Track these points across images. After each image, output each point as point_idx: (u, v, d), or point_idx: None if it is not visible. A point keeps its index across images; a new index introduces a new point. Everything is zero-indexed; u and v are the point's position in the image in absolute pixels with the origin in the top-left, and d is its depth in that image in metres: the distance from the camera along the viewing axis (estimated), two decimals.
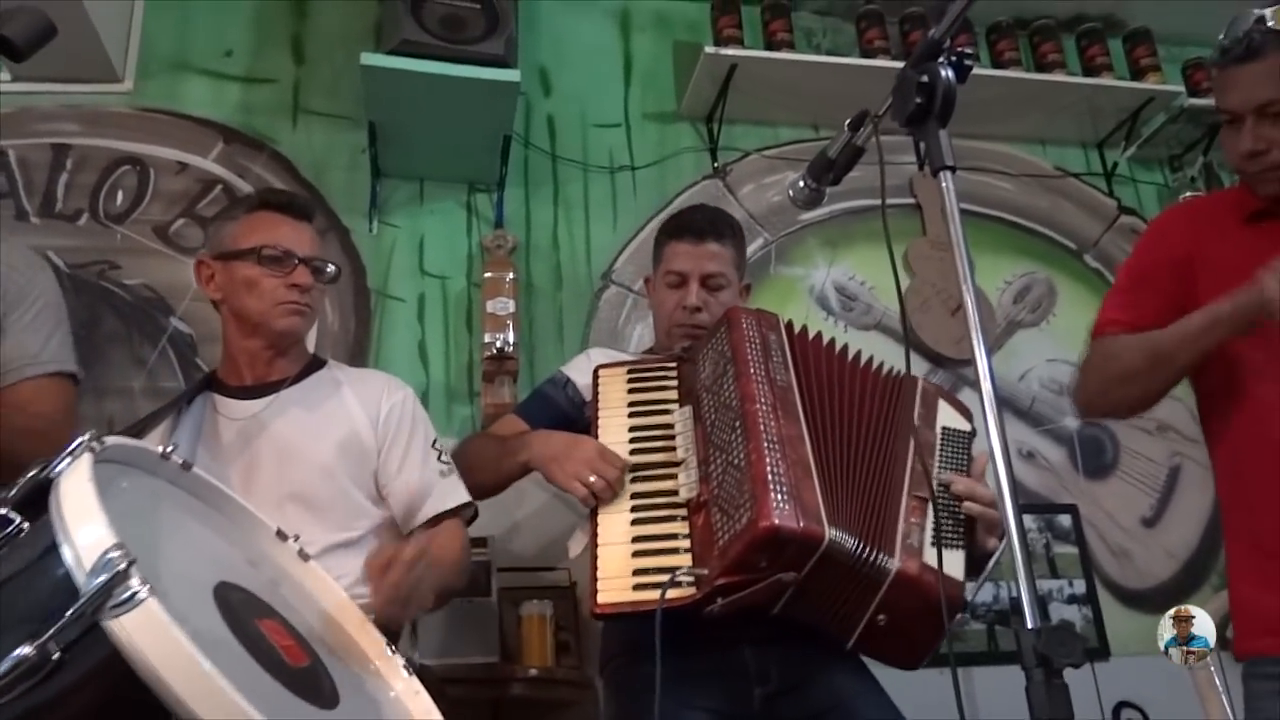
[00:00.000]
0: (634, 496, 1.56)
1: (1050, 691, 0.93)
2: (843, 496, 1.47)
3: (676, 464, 1.58)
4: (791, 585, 1.38)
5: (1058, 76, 3.15)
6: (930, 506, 1.49)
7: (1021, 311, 3.11)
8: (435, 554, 1.60)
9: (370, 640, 1.27)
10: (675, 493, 1.54)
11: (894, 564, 1.40)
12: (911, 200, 3.13)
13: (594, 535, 1.53)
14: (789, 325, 1.71)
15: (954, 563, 1.46)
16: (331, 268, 1.78)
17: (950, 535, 1.49)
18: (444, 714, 1.19)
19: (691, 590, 1.38)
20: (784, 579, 1.37)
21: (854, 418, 1.60)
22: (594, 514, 1.56)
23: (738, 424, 1.48)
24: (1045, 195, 3.29)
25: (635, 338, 2.78)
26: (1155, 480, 2.99)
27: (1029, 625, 0.97)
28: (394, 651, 1.27)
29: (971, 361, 1.09)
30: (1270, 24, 1.58)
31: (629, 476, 1.58)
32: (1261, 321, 1.48)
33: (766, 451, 1.42)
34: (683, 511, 1.51)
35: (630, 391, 1.73)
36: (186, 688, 0.76)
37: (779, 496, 1.36)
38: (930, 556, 1.43)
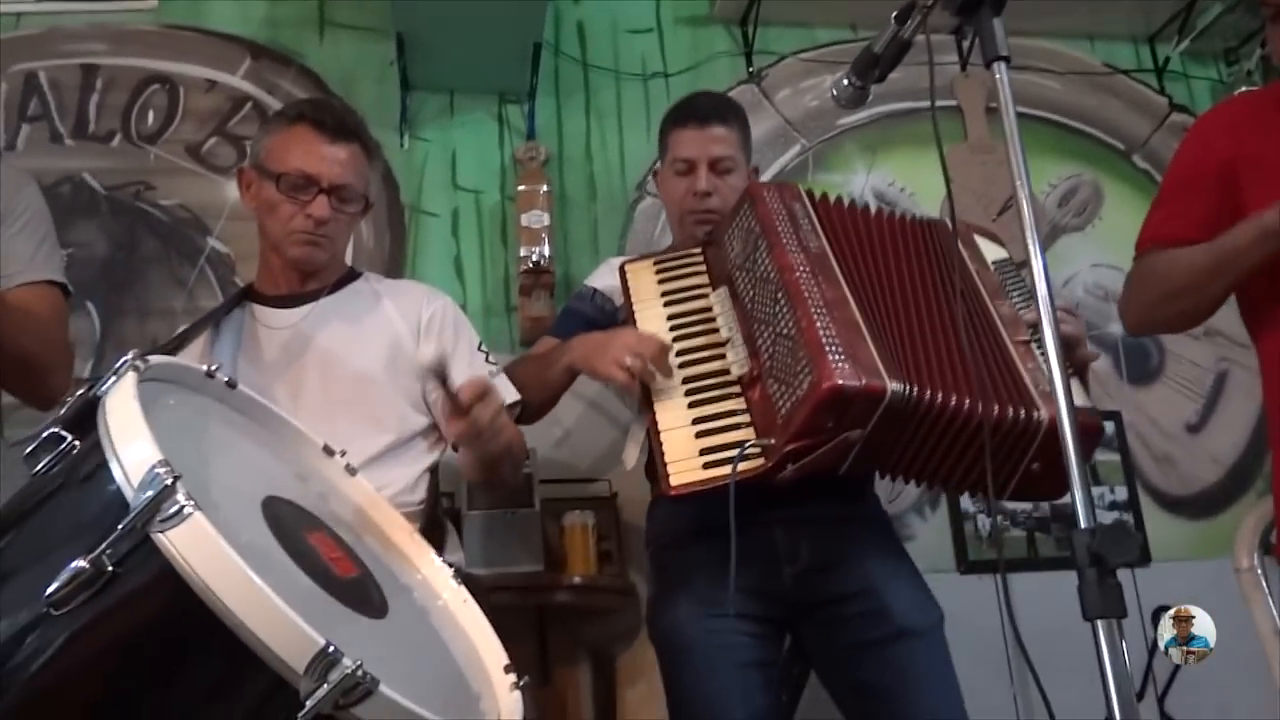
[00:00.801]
0: (686, 381, 1.56)
1: (1104, 590, 0.93)
2: (903, 350, 1.46)
3: (722, 344, 1.58)
4: (859, 442, 1.39)
5: None
6: (1035, 348, 1.50)
7: (1066, 215, 3.04)
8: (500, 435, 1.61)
9: (418, 550, 1.29)
10: (727, 371, 1.54)
11: (1042, 414, 1.41)
12: (952, 103, 3.03)
13: (654, 423, 1.53)
14: (810, 194, 1.69)
15: (1079, 393, 1.47)
16: (359, 198, 1.73)
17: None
18: (491, 621, 1.21)
19: (761, 460, 1.40)
20: (850, 438, 1.38)
21: (898, 271, 1.59)
22: (649, 404, 1.56)
23: (780, 295, 1.48)
24: (1093, 93, 3.17)
25: None
26: (1201, 385, 2.94)
27: (1082, 525, 0.96)
28: (441, 560, 1.28)
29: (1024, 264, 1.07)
30: None
31: (676, 362, 1.58)
32: None
33: (815, 316, 1.42)
34: (736, 389, 1.52)
35: (661, 282, 1.72)
36: (236, 599, 0.77)
37: (836, 357, 1.36)
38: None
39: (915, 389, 1.39)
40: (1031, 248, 1.06)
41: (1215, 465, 2.87)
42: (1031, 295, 1.56)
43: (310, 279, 1.75)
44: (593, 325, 1.86)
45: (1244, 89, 3.00)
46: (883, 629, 1.63)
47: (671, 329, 1.63)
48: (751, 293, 1.55)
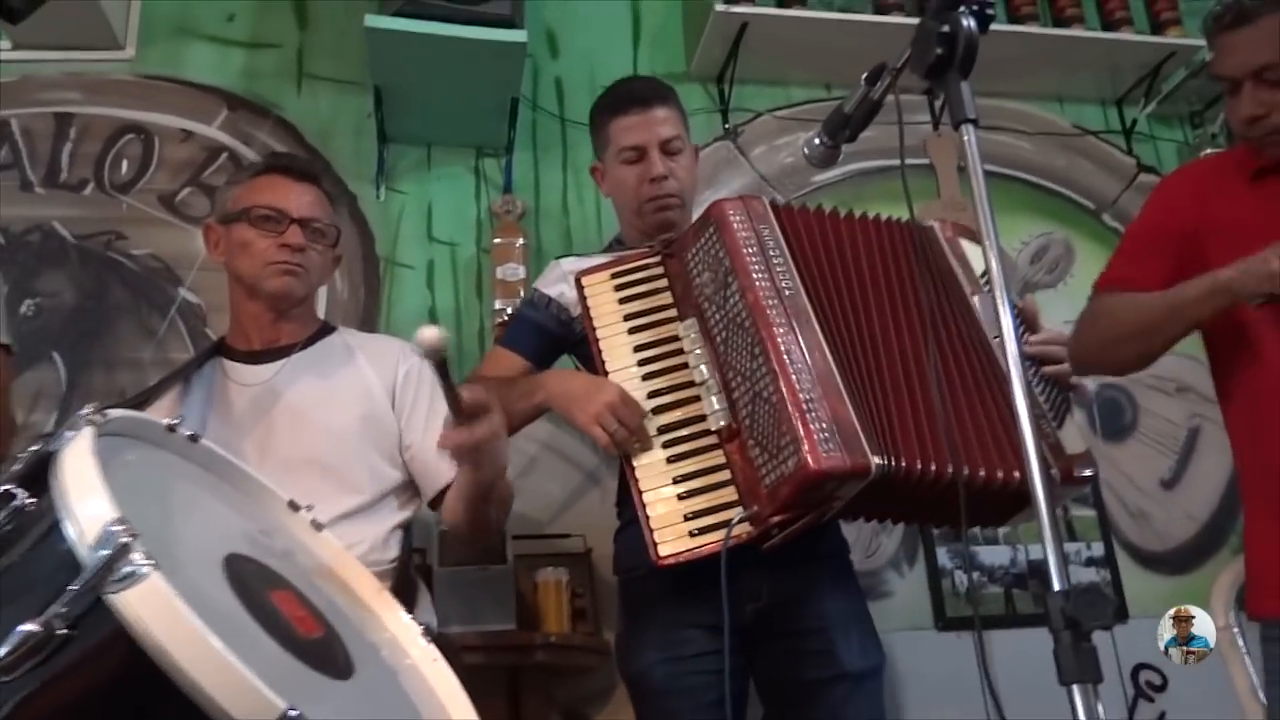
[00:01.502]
0: (662, 430, 1.54)
1: (1078, 654, 0.92)
2: (880, 409, 1.46)
3: (694, 384, 1.55)
4: (841, 504, 1.42)
5: (1076, 31, 3.07)
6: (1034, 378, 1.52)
7: (1039, 272, 3.07)
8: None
9: (386, 608, 1.26)
10: (703, 418, 1.52)
11: (1055, 470, 1.41)
12: (924, 161, 3.07)
13: (634, 480, 1.52)
14: (776, 209, 1.63)
15: (1068, 436, 1.49)
16: (330, 229, 1.75)
17: (1057, 414, 1.52)
18: (462, 681, 1.18)
19: (749, 529, 1.42)
20: (832, 504, 1.41)
21: (878, 299, 1.57)
22: (626, 456, 1.55)
23: (757, 351, 1.45)
24: (1063, 154, 3.23)
25: None
26: (1174, 442, 2.96)
27: (1056, 588, 0.95)
28: (411, 619, 1.25)
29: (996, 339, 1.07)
30: None
31: (650, 405, 1.56)
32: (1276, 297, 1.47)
33: (797, 384, 1.40)
34: (714, 440, 1.51)
35: (622, 302, 1.66)
36: (193, 662, 0.75)
37: (821, 436, 1.36)
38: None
39: (899, 462, 1.40)
40: (1002, 308, 1.06)
41: (1190, 521, 2.88)
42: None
43: (284, 330, 1.73)
44: (550, 338, 1.85)
45: (1209, 151, 3.07)
46: (828, 669, 1.67)
47: (640, 362, 1.60)
48: (724, 334, 1.53)
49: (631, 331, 1.63)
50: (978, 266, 1.65)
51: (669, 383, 1.57)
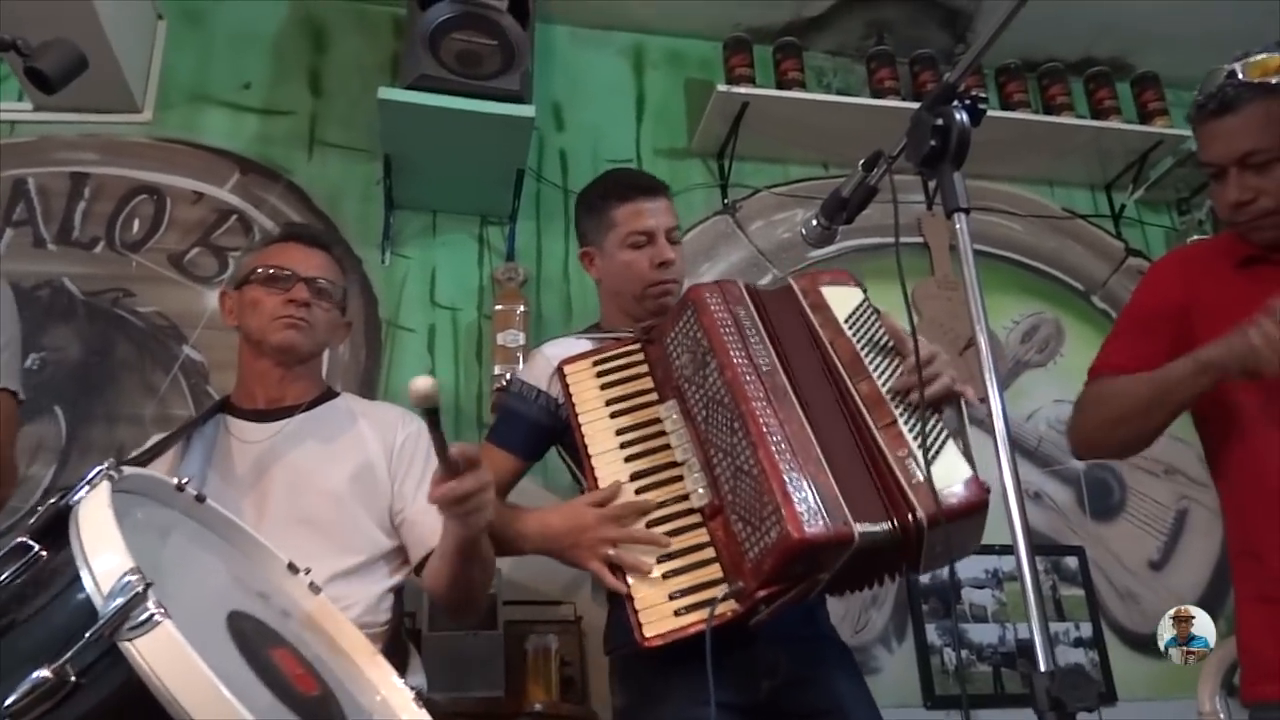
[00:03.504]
0: (644, 512, 1.54)
1: None
2: (852, 475, 1.45)
3: (677, 464, 1.56)
4: (827, 579, 1.40)
5: (1066, 119, 3.18)
6: (902, 425, 1.48)
7: (1029, 351, 3.12)
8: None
9: (379, 671, 1.27)
10: (686, 497, 1.53)
11: (921, 514, 1.39)
12: (919, 239, 3.15)
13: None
14: (750, 290, 1.68)
15: (957, 466, 1.44)
16: (336, 288, 1.81)
17: (937, 443, 1.47)
18: None
19: (734, 605, 1.40)
20: (819, 577, 1.39)
21: (818, 371, 1.57)
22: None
23: (737, 425, 1.46)
24: (1053, 236, 3.31)
25: None
26: (1163, 523, 2.98)
27: (1042, 668, 0.97)
28: (403, 683, 1.26)
29: (982, 402, 1.10)
30: (1241, 76, 1.61)
31: (632, 486, 1.56)
32: (1257, 372, 1.49)
33: (776, 455, 1.41)
34: (698, 518, 1.51)
35: (604, 388, 1.69)
36: (201, 709, 0.76)
37: (801, 506, 1.35)
38: (939, 478, 1.41)
39: (882, 525, 1.40)
40: (990, 389, 1.09)
41: (1178, 603, 2.87)
42: (885, 342, 1.59)
43: (289, 390, 1.77)
44: (540, 430, 1.83)
45: (1195, 237, 3.15)
46: None
47: (623, 444, 1.62)
48: (704, 413, 1.54)
49: (613, 415, 1.65)
50: (845, 305, 1.65)
51: (651, 464, 1.59)
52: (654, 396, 1.66)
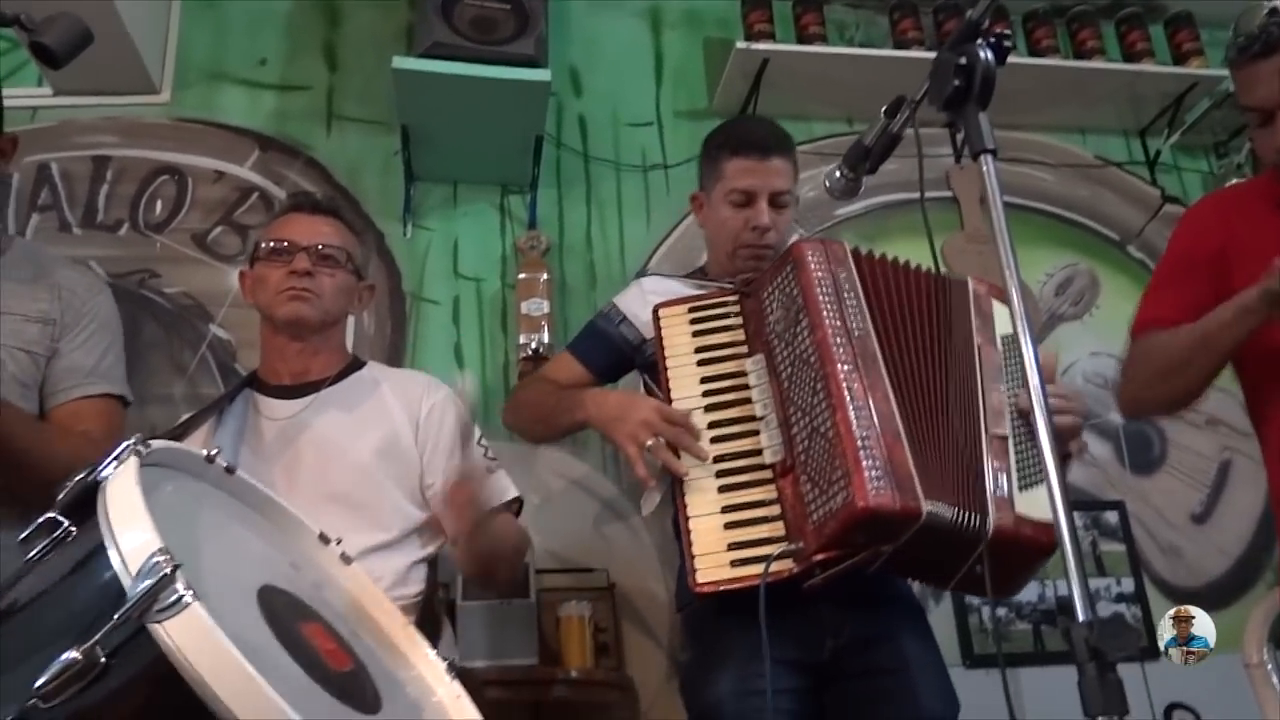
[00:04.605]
0: (718, 459, 1.54)
1: (1104, 686, 0.91)
2: (934, 457, 1.44)
3: (755, 419, 1.56)
4: (887, 553, 1.39)
5: (1097, 64, 3.09)
6: (1011, 444, 1.47)
7: (1064, 304, 3.06)
8: (496, 529, 1.64)
9: (412, 644, 1.26)
10: (759, 452, 1.52)
11: (989, 522, 1.38)
12: (948, 194, 3.08)
13: (683, 505, 1.52)
14: (856, 254, 1.64)
15: (1039, 503, 1.42)
16: (340, 252, 1.76)
17: (1033, 473, 1.46)
18: (485, 717, 1.18)
19: (790, 565, 1.40)
20: (880, 549, 1.38)
21: (932, 355, 1.56)
22: (679, 480, 1.54)
23: (819, 386, 1.45)
24: (1086, 185, 3.23)
25: None
26: (1205, 475, 2.92)
27: (1080, 618, 0.94)
28: (436, 654, 1.26)
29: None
30: None
31: (709, 435, 1.56)
32: None
33: (854, 420, 1.40)
34: (769, 474, 1.50)
35: (695, 335, 1.69)
36: (230, 692, 0.76)
37: (873, 473, 1.35)
38: (1021, 503, 1.42)
39: (953, 507, 1.39)
40: (1022, 338, 1.06)
41: (1223, 557, 2.84)
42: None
43: (313, 364, 1.76)
44: (616, 354, 1.87)
45: (1234, 181, 3.06)
46: (907, 711, 1.62)
47: (705, 393, 1.62)
48: (789, 370, 1.53)
49: (700, 364, 1.65)
50: (1002, 326, 1.64)
51: (730, 415, 1.58)
52: (744, 349, 1.65)
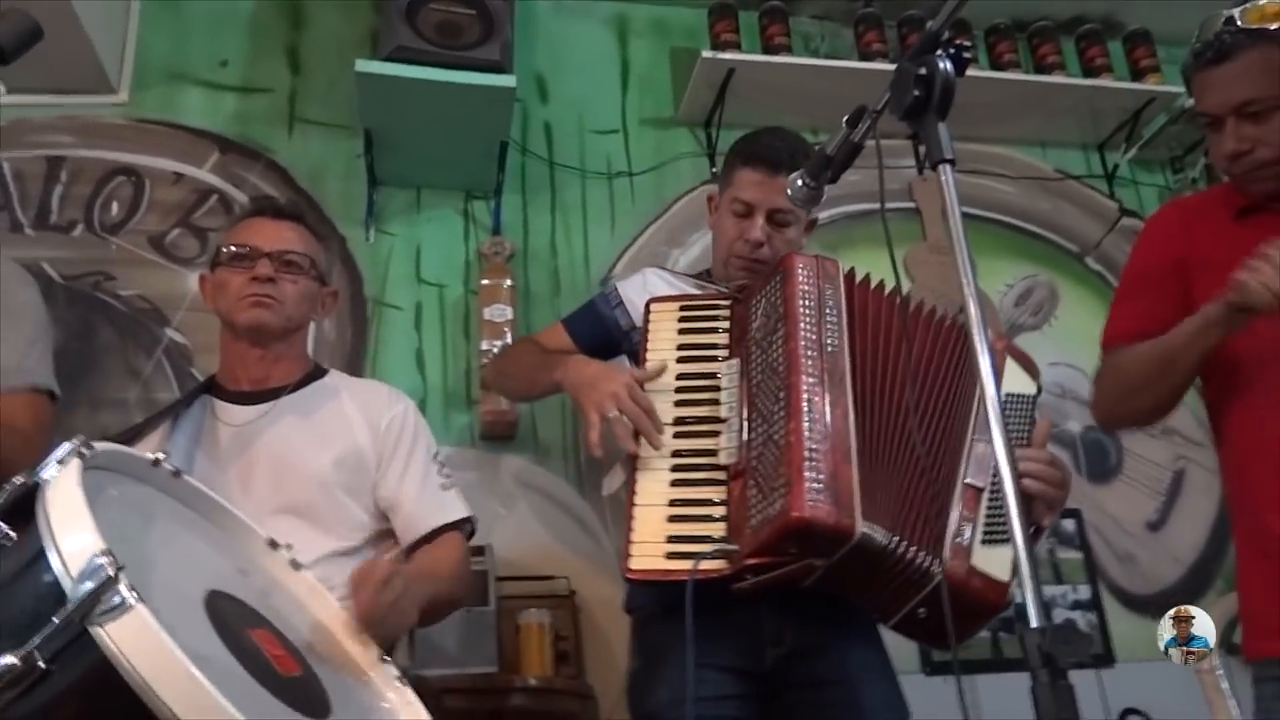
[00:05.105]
0: (675, 454, 1.55)
1: (1056, 692, 0.92)
2: (884, 483, 1.44)
3: (720, 420, 1.56)
4: (821, 570, 1.39)
5: (1057, 78, 3.14)
6: (984, 498, 1.46)
7: (1023, 315, 3.10)
8: (430, 568, 1.60)
9: (363, 650, 1.25)
10: (715, 454, 1.53)
11: (939, 566, 1.39)
12: (910, 204, 3.11)
13: (632, 490, 1.52)
14: (849, 276, 1.64)
15: (999, 561, 1.42)
16: (304, 258, 1.74)
17: (1000, 530, 1.44)
18: None
19: (722, 565, 1.40)
20: (814, 564, 1.38)
21: (911, 388, 1.55)
22: (634, 466, 1.55)
23: (781, 394, 1.46)
24: (1046, 198, 3.27)
25: None
26: (1160, 484, 2.97)
27: (1033, 625, 0.95)
28: (388, 662, 1.24)
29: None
30: (1240, 23, 1.57)
31: (673, 430, 1.57)
32: (1259, 316, 1.46)
33: (807, 431, 1.40)
34: (722, 475, 1.51)
35: (681, 333, 1.70)
36: (175, 696, 0.74)
37: (813, 485, 1.35)
38: (979, 556, 1.41)
39: (889, 536, 1.38)
40: (979, 346, 1.06)
41: (1176, 564, 2.88)
42: (1027, 436, 1.57)
43: (273, 371, 1.74)
44: (606, 336, 1.88)
45: (1189, 194, 3.11)
46: None
47: (678, 389, 1.63)
48: (760, 377, 1.54)
49: (680, 361, 1.66)
50: (1010, 384, 1.62)
51: (696, 414, 1.59)
52: (725, 353, 1.66)
